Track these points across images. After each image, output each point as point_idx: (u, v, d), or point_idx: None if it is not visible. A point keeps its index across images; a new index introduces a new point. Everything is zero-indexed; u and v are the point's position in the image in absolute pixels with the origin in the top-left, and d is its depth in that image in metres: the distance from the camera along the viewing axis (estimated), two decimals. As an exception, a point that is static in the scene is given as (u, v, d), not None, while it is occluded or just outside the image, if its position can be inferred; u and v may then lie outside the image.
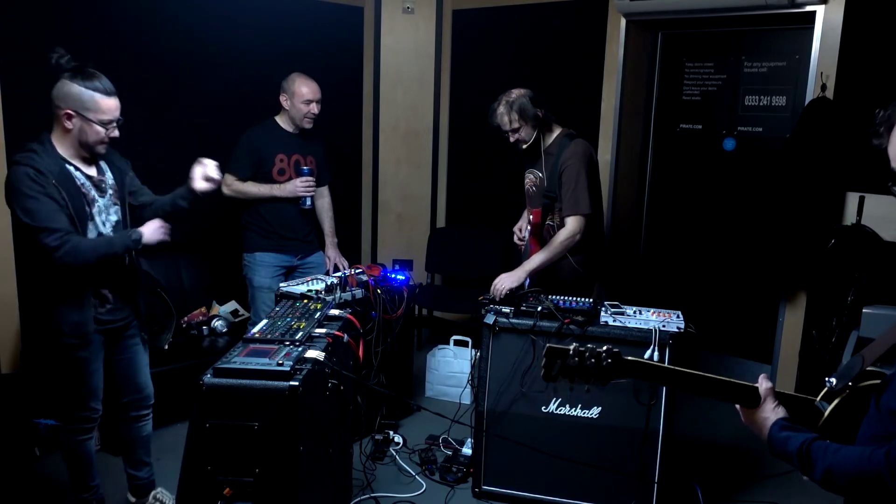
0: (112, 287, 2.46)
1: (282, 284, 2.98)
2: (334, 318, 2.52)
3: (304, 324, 2.32)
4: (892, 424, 1.25)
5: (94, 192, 2.37)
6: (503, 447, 2.83)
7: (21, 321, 3.37)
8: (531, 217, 3.15)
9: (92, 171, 2.39)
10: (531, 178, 3.20)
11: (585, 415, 2.77)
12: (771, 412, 1.45)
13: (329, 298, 2.73)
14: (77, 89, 2.25)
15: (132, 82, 3.63)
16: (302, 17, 4.42)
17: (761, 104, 3.95)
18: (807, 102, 3.45)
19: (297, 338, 2.16)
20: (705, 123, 4.18)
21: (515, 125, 3.02)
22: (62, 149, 2.30)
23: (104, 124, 2.30)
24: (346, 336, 2.38)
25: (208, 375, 1.96)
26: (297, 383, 1.92)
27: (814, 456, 1.31)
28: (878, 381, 1.38)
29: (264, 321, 2.38)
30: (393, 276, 3.31)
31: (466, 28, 4.74)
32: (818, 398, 1.45)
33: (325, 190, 3.75)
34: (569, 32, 4.29)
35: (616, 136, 4.11)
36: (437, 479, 3.10)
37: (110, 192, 2.44)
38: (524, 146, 3.10)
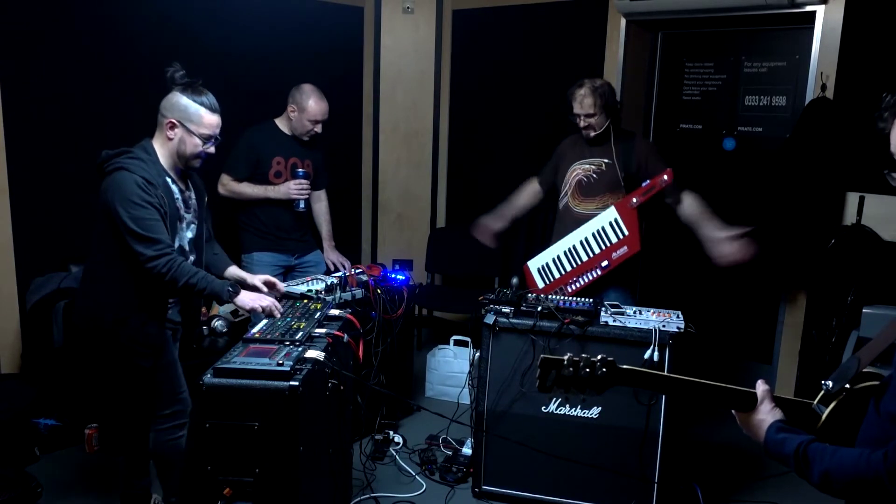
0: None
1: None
2: (334, 318, 2.52)
3: (304, 324, 2.32)
4: (892, 428, 1.25)
5: (183, 208, 2.39)
6: (503, 447, 2.83)
7: (21, 321, 3.37)
8: (635, 201, 3.06)
9: (182, 186, 2.41)
10: (588, 167, 3.19)
11: (585, 415, 2.77)
12: (768, 414, 1.44)
13: (329, 298, 2.73)
14: (185, 101, 2.31)
15: (131, 82, 3.65)
16: (302, 17, 4.42)
17: (761, 104, 3.96)
18: (807, 102, 3.45)
19: (297, 338, 2.17)
20: (705, 123, 4.18)
21: (592, 111, 3.05)
22: (162, 158, 2.33)
23: (204, 139, 2.33)
24: (346, 336, 2.39)
25: (208, 375, 1.96)
26: (297, 383, 1.92)
27: (811, 458, 1.30)
28: (877, 383, 1.38)
29: (264, 321, 2.38)
30: (393, 276, 3.31)
31: (466, 28, 4.73)
32: (815, 401, 1.44)
33: (322, 194, 3.75)
34: (569, 32, 4.29)
35: (616, 136, 4.11)
36: (437, 479, 3.09)
37: (193, 209, 2.46)
38: (593, 133, 3.12)
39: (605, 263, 3.11)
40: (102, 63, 3.57)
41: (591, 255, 3.14)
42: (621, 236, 3.07)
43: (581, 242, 3.18)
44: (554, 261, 3.27)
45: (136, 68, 3.64)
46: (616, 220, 3.09)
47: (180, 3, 3.79)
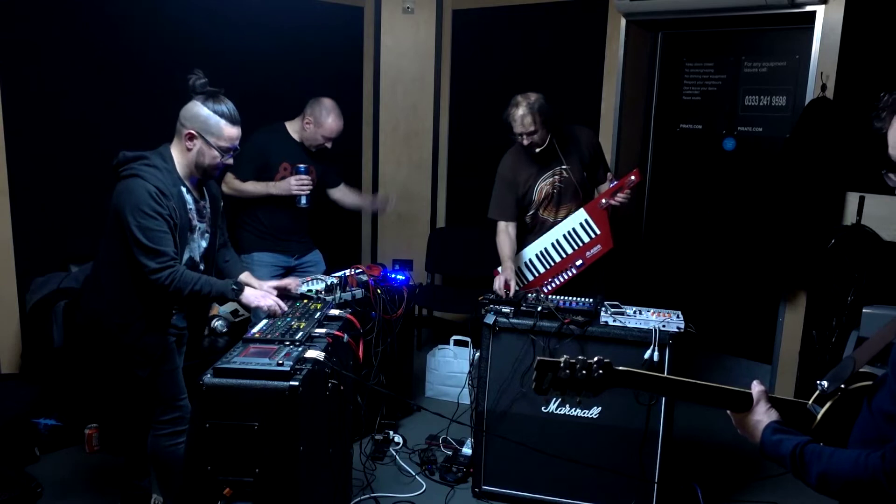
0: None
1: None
2: (334, 318, 2.52)
3: (304, 324, 2.32)
4: (885, 426, 1.25)
5: (196, 217, 2.37)
6: (503, 447, 2.83)
7: (21, 321, 3.37)
8: (604, 202, 3.13)
9: (197, 196, 2.39)
10: (553, 179, 3.21)
11: (585, 415, 2.77)
12: (763, 415, 1.44)
13: (329, 298, 2.73)
14: (205, 112, 2.28)
15: (131, 82, 3.65)
16: (302, 17, 4.42)
17: (761, 104, 3.95)
18: (807, 102, 3.45)
19: (297, 338, 2.17)
20: (705, 123, 4.18)
21: (533, 128, 3.05)
22: (179, 167, 2.31)
23: (222, 151, 2.31)
24: (346, 336, 2.39)
25: (208, 375, 1.96)
26: (297, 383, 1.93)
27: (808, 460, 1.30)
28: (870, 383, 1.38)
29: (264, 321, 2.38)
30: (393, 276, 3.31)
31: (466, 28, 4.74)
32: (810, 401, 1.44)
33: (341, 187, 3.78)
34: (569, 32, 4.29)
35: (616, 135, 4.11)
36: (437, 479, 3.10)
37: (207, 218, 2.44)
38: (538, 149, 3.13)
39: (579, 262, 3.17)
40: (103, 63, 3.57)
41: (565, 255, 3.20)
42: (593, 235, 3.14)
43: (553, 244, 3.23)
44: (526, 265, 3.30)
45: (137, 68, 3.64)
46: (587, 221, 3.16)
47: (180, 3, 3.79)
